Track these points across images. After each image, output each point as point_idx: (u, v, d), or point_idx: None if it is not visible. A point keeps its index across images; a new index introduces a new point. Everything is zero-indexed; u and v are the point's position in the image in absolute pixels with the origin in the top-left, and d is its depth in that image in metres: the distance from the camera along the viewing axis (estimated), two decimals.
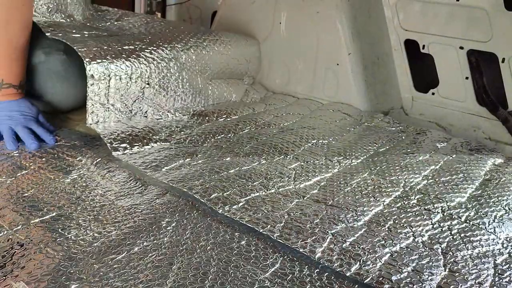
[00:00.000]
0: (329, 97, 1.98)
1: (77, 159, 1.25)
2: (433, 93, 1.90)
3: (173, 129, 1.49)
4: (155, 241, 0.93)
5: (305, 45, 2.03)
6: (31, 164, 1.21)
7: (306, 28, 2.02)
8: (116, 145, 1.30)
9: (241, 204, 1.07)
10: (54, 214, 1.00)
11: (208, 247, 0.92)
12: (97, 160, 1.25)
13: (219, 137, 1.48)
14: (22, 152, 1.27)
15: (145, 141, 1.36)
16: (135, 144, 1.34)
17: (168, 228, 0.97)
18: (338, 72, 1.95)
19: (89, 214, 1.01)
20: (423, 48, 1.85)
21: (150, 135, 1.41)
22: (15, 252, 0.85)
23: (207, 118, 1.61)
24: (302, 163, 1.33)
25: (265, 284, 0.83)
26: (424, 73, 1.96)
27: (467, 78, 1.77)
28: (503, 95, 1.69)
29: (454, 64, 1.78)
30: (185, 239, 0.94)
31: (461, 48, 1.74)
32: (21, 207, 1.01)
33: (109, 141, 1.32)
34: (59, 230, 0.94)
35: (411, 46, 1.90)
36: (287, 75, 2.12)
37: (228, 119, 1.64)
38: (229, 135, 1.50)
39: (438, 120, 1.88)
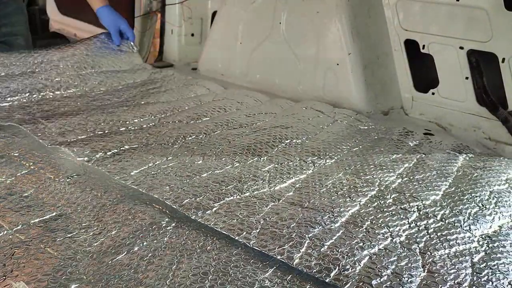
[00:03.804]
0: (329, 97, 1.98)
1: (77, 159, 1.25)
2: (433, 93, 1.89)
3: (142, 131, 1.45)
4: (155, 241, 0.93)
5: (305, 45, 2.03)
6: (31, 164, 1.21)
7: (306, 28, 2.02)
8: (80, 150, 1.26)
9: (214, 209, 1.03)
10: (54, 214, 1.00)
11: (208, 247, 0.92)
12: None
13: (190, 138, 1.43)
14: (22, 152, 1.27)
15: (111, 144, 1.32)
16: (101, 148, 1.29)
17: (168, 228, 0.97)
18: (338, 72, 1.94)
19: (89, 214, 1.01)
20: (423, 48, 1.85)
21: (117, 137, 1.38)
22: (15, 252, 0.85)
23: (177, 120, 1.58)
24: (276, 165, 1.30)
25: (265, 284, 0.83)
26: (424, 73, 1.96)
27: (467, 78, 1.77)
28: (503, 95, 1.69)
29: (454, 64, 1.78)
30: (185, 239, 0.94)
31: (461, 48, 1.74)
32: (21, 207, 1.01)
33: (73, 147, 1.28)
34: (59, 230, 0.94)
35: (411, 46, 1.90)
36: (287, 75, 2.12)
37: (199, 121, 1.60)
38: (200, 136, 1.46)
39: (438, 120, 1.88)
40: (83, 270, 0.83)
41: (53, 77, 1.78)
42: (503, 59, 1.63)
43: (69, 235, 0.92)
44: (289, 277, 0.86)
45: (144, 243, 0.91)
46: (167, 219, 1.00)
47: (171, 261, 0.87)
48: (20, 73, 1.74)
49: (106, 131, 1.43)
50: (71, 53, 1.98)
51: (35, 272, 0.80)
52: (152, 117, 1.58)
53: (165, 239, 0.93)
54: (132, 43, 2.21)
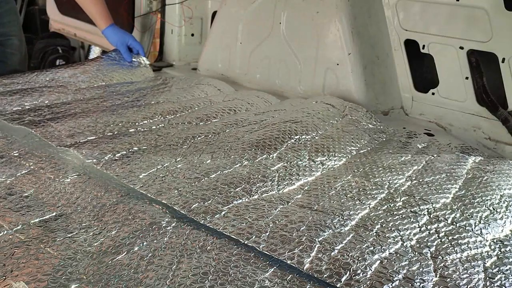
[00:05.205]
0: None
1: (77, 159, 1.25)
2: (433, 93, 1.89)
3: (152, 132, 1.45)
4: (155, 241, 0.93)
5: (305, 45, 2.03)
6: (31, 164, 1.21)
7: (306, 28, 2.02)
8: (89, 152, 1.25)
9: (223, 213, 1.02)
10: (54, 214, 1.00)
11: (208, 247, 0.92)
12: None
13: (199, 138, 1.43)
14: (22, 152, 1.27)
15: (120, 145, 1.31)
16: (110, 150, 1.28)
17: (168, 228, 0.97)
18: (338, 72, 1.94)
19: (89, 214, 1.01)
20: (423, 48, 1.85)
21: (126, 138, 1.37)
22: (15, 252, 0.85)
23: (186, 121, 1.58)
24: (285, 164, 1.29)
25: (265, 284, 0.83)
26: (424, 73, 1.96)
27: (467, 78, 1.77)
28: (503, 95, 1.69)
29: (454, 64, 1.78)
30: (185, 239, 0.94)
31: (461, 48, 1.74)
32: (21, 207, 1.01)
33: (82, 149, 1.27)
34: (59, 230, 0.94)
35: (411, 46, 1.90)
36: (287, 75, 2.12)
37: (208, 122, 1.60)
38: (209, 135, 1.46)
39: (438, 120, 1.88)
40: (83, 270, 0.83)
41: (65, 91, 1.81)
42: (503, 59, 1.63)
43: (69, 235, 0.92)
44: (289, 277, 0.86)
45: (144, 243, 0.91)
46: (167, 219, 1.00)
47: (171, 261, 0.87)
48: (33, 89, 1.76)
49: (116, 133, 1.42)
50: (82, 70, 2.01)
51: (35, 272, 0.80)
52: (162, 118, 1.59)
53: (165, 239, 0.93)
54: (143, 57, 2.21)
